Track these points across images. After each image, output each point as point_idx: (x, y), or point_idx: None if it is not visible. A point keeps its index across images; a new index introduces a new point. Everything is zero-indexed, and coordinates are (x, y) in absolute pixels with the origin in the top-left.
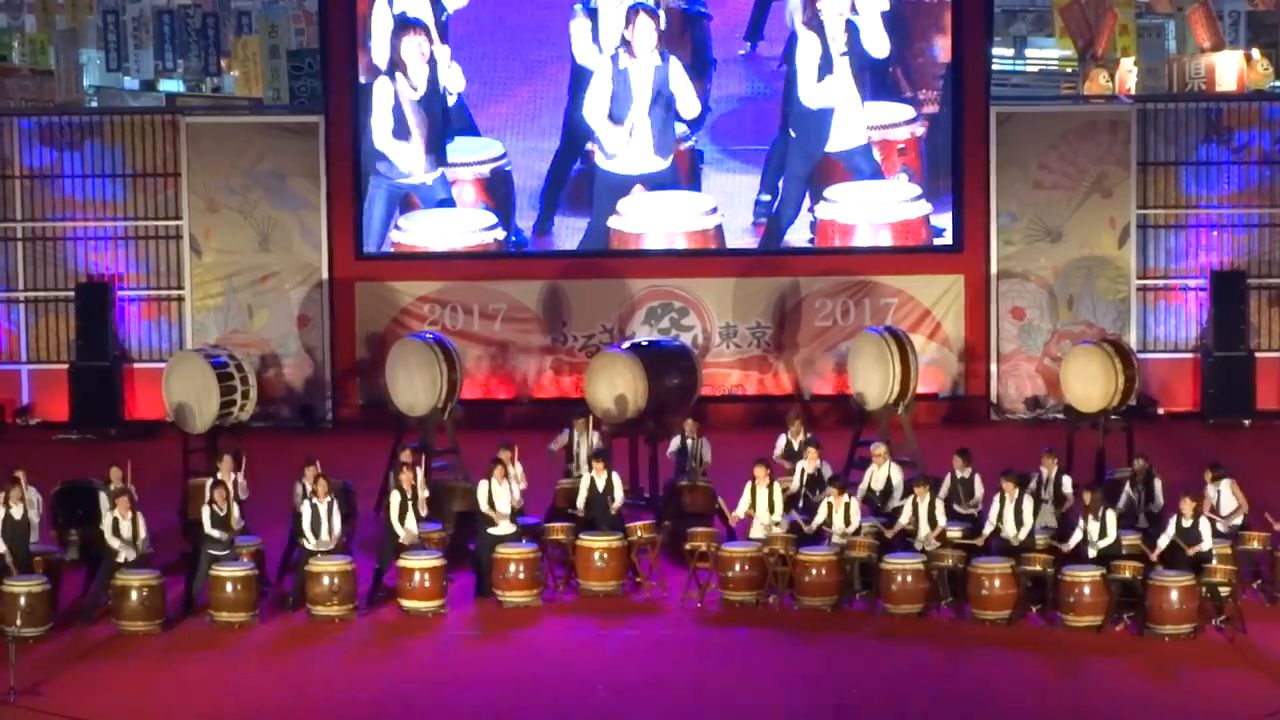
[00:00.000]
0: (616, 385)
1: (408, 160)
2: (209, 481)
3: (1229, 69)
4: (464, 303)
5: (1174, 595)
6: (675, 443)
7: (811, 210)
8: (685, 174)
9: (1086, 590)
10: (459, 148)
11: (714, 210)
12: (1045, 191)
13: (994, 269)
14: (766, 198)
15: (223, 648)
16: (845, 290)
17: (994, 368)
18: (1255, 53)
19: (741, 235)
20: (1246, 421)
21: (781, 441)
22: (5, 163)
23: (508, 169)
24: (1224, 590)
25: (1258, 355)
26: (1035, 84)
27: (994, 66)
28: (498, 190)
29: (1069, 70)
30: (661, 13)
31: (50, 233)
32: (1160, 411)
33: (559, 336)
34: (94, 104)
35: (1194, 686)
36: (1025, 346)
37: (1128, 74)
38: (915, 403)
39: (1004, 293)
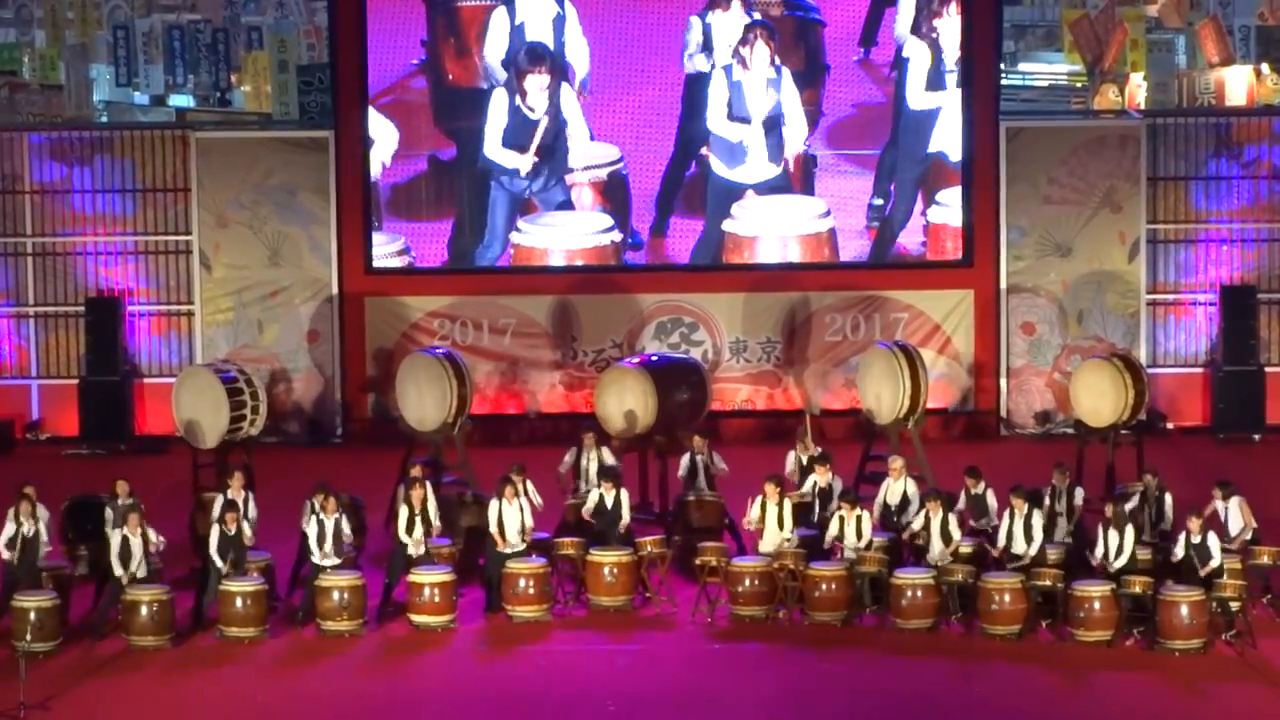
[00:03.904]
0: (626, 400)
1: (522, 168)
2: (220, 501)
3: (1238, 84)
4: (474, 318)
5: (1184, 610)
6: (685, 462)
7: (924, 214)
8: (798, 179)
9: (1097, 605)
10: (577, 152)
11: (827, 214)
12: (1055, 206)
13: (1004, 284)
14: (879, 202)
15: (232, 663)
16: (855, 305)
17: (1004, 382)
18: (1265, 67)
19: (854, 239)
20: (1256, 436)
21: (791, 458)
22: (15, 178)
23: (624, 173)
24: (1234, 605)
25: (1267, 370)
26: (1045, 99)
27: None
28: (615, 194)
29: (1079, 85)
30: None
31: (60, 248)
32: (1170, 426)
33: (569, 352)
34: (104, 119)
35: (1204, 701)
36: (1035, 361)
37: (1137, 89)
38: (925, 418)
39: (1014, 307)
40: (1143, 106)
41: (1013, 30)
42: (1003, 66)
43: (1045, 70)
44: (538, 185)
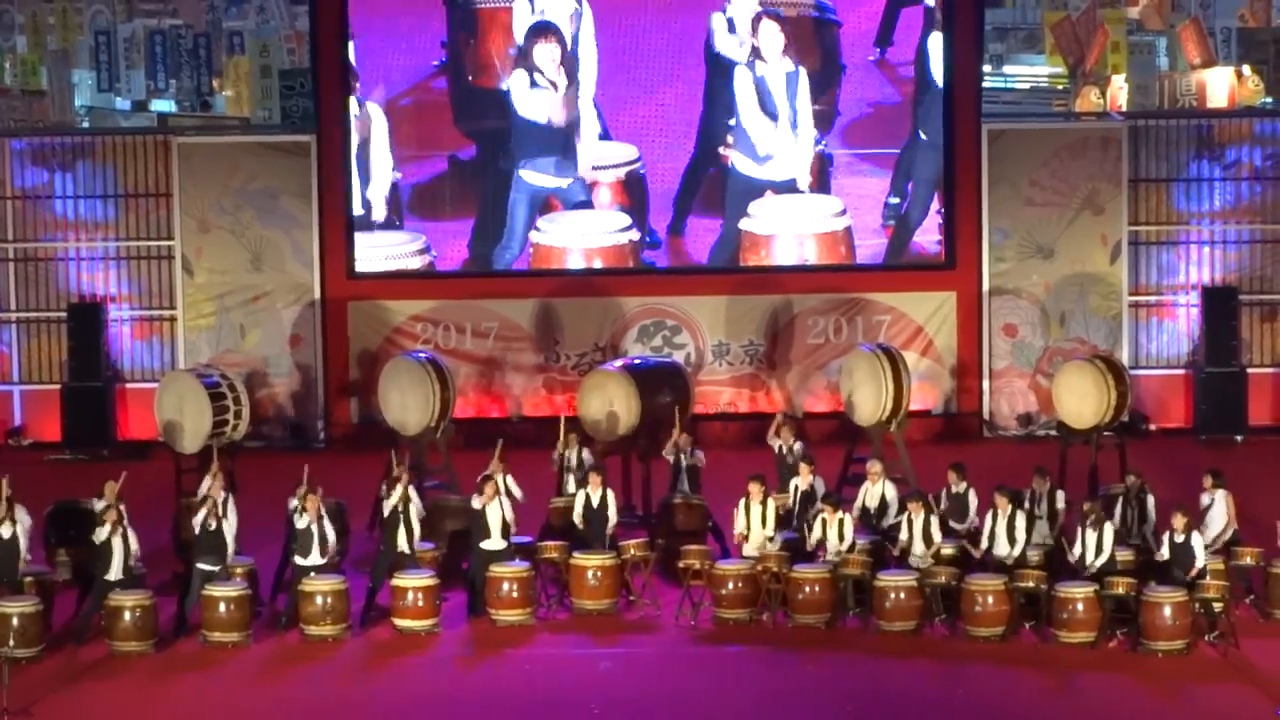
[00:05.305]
0: (609, 403)
1: (544, 163)
2: (197, 497)
3: (1220, 85)
4: (456, 321)
5: (1167, 611)
6: (669, 451)
7: (939, 213)
8: (815, 177)
9: (1080, 606)
10: (596, 152)
11: (843, 212)
12: (1037, 208)
13: (986, 286)
14: (895, 200)
15: (216, 668)
16: (837, 308)
17: (986, 384)
18: (1246, 69)
19: (870, 237)
20: (1238, 437)
21: (775, 446)
22: None
23: (642, 172)
24: (1217, 606)
25: (1249, 371)
26: (1026, 101)
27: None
28: (634, 193)
29: (1060, 87)
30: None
31: (42, 253)
32: (1152, 427)
33: (551, 355)
34: (85, 124)
35: (1187, 702)
36: (1017, 363)
37: (1119, 91)
38: (908, 420)
39: (996, 309)
40: (1124, 108)
41: (994, 33)
42: (988, 69)
43: (1027, 72)
44: (557, 171)
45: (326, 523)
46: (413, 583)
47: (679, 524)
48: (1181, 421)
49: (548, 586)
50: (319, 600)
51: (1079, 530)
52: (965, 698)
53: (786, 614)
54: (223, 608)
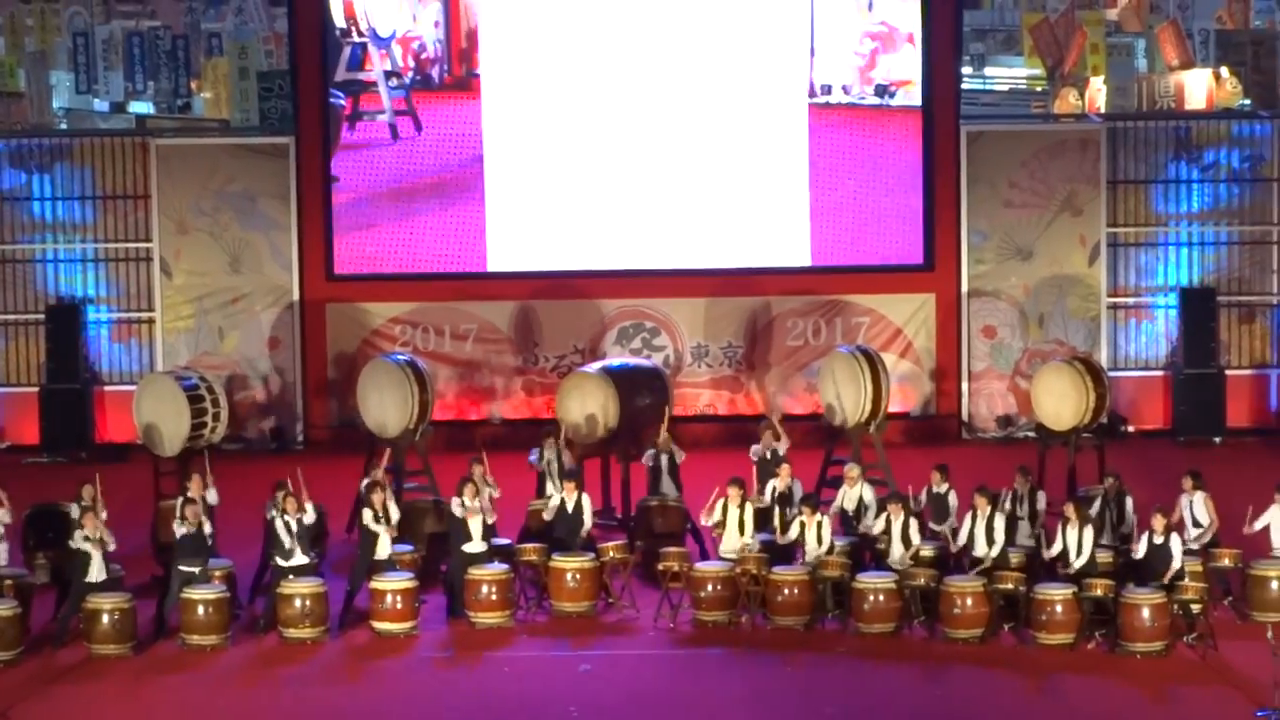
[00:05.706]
0: (588, 405)
1: None
2: (180, 499)
3: (1198, 87)
4: (435, 324)
5: (1146, 613)
6: (649, 458)
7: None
8: None
9: (1059, 608)
10: None
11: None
12: (1015, 210)
13: (965, 288)
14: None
15: (194, 671)
16: (817, 309)
17: (965, 386)
18: (1224, 71)
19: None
20: (1217, 439)
21: (755, 451)
22: None
23: None
24: (1195, 607)
25: (1228, 372)
26: (1005, 103)
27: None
28: None
29: (1039, 89)
30: None
31: (20, 255)
32: (1131, 429)
33: (530, 357)
34: (63, 126)
35: (1166, 704)
36: (996, 365)
37: (1097, 93)
38: (887, 422)
39: (975, 311)
40: (1102, 110)
41: (972, 35)
42: (967, 71)
43: (1005, 74)
44: None
45: (302, 519)
46: (391, 585)
47: (658, 526)
48: (1160, 423)
49: (527, 589)
50: (298, 603)
51: (1060, 529)
52: (944, 699)
53: (765, 616)
54: (201, 610)
